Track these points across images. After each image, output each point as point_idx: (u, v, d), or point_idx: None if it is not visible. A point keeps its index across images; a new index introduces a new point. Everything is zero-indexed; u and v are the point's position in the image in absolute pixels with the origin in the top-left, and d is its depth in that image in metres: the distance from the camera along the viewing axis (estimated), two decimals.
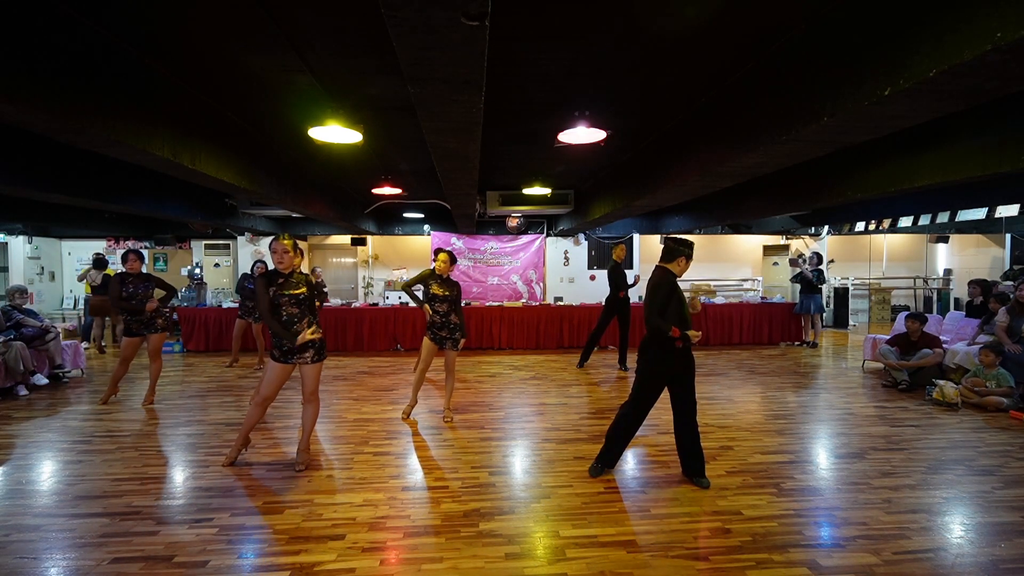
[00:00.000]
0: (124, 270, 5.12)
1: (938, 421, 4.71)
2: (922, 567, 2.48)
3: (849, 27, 2.64)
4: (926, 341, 5.99)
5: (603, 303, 7.03)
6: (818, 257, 8.98)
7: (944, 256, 12.65)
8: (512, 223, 11.18)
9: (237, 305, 7.80)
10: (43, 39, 2.71)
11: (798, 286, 9.05)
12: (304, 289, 3.47)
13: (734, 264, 12.82)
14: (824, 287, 9.64)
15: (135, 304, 5.00)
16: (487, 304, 9.15)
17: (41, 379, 5.95)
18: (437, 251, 4.67)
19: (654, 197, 5.70)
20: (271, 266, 6.80)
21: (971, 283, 6.99)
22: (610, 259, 6.77)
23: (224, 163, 4.55)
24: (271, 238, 11.06)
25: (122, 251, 5.26)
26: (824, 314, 9.96)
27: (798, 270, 9.01)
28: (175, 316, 8.75)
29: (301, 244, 12.15)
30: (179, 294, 10.07)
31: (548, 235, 11.87)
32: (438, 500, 3.16)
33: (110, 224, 9.58)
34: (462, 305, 4.66)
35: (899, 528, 2.83)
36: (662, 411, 4.08)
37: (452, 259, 4.65)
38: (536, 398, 5.54)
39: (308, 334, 3.40)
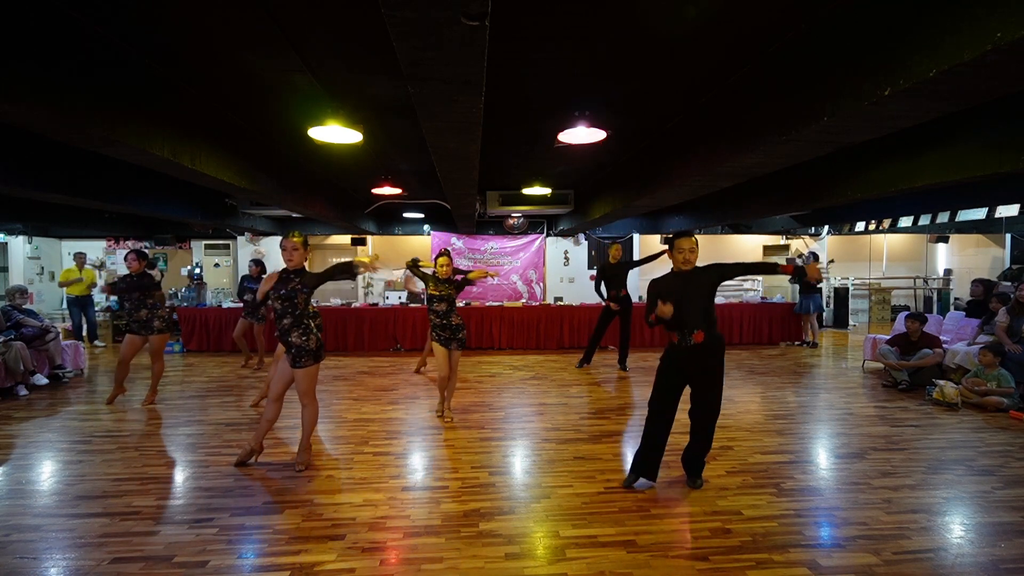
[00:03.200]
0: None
1: (938, 421, 4.71)
2: (922, 567, 2.48)
3: (849, 27, 2.64)
4: (926, 341, 5.99)
5: (602, 303, 6.93)
6: (815, 257, 8.99)
7: (944, 256, 12.64)
8: (510, 222, 11.17)
9: (239, 305, 7.80)
10: (43, 39, 2.71)
11: (798, 286, 9.06)
12: (295, 284, 3.42)
13: None
14: (823, 286, 9.64)
15: (128, 304, 5.13)
16: (487, 304, 9.14)
17: (41, 379, 5.95)
18: (438, 256, 4.69)
19: (654, 197, 5.70)
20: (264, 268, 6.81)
21: (975, 282, 7.00)
22: (629, 260, 6.71)
23: (224, 163, 4.55)
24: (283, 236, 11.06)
25: (123, 251, 5.33)
26: (823, 314, 9.95)
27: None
28: (174, 316, 8.75)
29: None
30: (167, 294, 10.11)
31: (548, 235, 11.87)
32: (438, 500, 3.16)
33: (110, 224, 9.57)
34: (459, 304, 4.69)
35: (899, 528, 2.83)
36: None
37: (450, 257, 4.70)
38: (536, 398, 5.54)
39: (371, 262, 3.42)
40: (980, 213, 8.40)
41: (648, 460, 3.31)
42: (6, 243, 10.84)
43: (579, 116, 4.45)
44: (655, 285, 3.29)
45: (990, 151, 3.87)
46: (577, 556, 2.56)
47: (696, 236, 3.26)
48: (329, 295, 11.45)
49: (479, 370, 7.02)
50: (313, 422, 3.62)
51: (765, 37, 3.13)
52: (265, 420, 3.61)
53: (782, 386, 6.06)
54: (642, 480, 3.34)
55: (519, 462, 3.81)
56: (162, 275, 10.24)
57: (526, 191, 8.07)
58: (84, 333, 8.80)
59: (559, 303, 9.08)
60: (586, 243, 11.96)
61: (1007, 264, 11.81)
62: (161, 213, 6.71)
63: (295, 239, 3.45)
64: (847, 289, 11.52)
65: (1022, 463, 3.72)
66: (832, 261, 11.81)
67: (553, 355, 8.17)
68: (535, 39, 3.22)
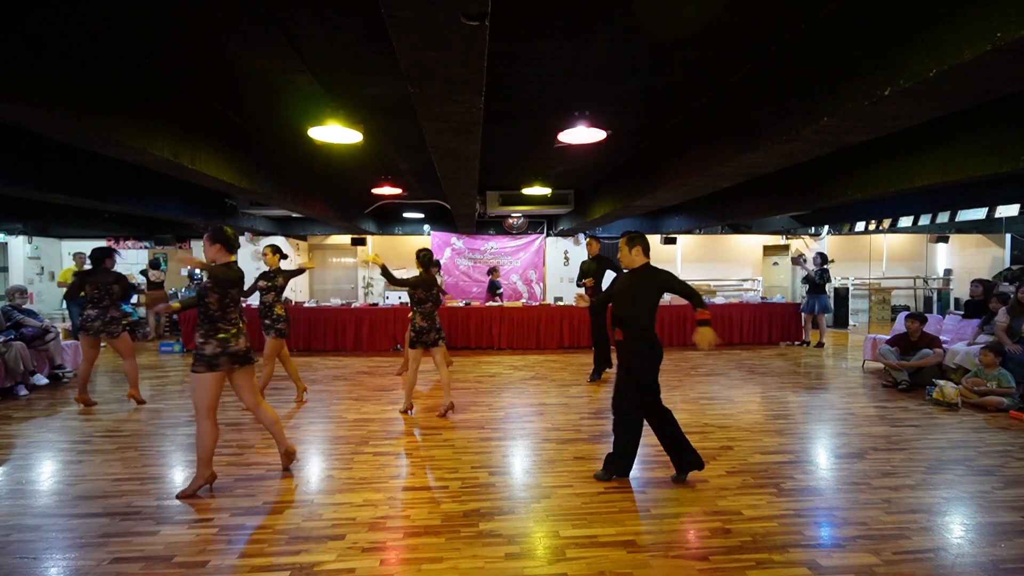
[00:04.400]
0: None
1: (938, 421, 4.71)
2: (922, 567, 2.48)
3: (849, 27, 2.64)
4: (926, 341, 5.99)
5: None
6: (822, 257, 8.98)
7: (944, 256, 12.65)
8: (510, 222, 11.17)
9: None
10: (42, 39, 2.71)
11: (806, 286, 9.06)
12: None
13: (734, 264, 12.81)
14: (828, 286, 9.64)
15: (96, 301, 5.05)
16: (487, 304, 9.14)
17: (41, 379, 5.95)
18: None
19: (654, 197, 5.70)
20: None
21: (974, 282, 7.00)
22: (609, 258, 6.54)
23: (224, 163, 4.55)
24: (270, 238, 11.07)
25: (124, 250, 5.29)
26: (828, 314, 9.93)
27: (804, 272, 9.03)
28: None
29: (301, 244, 12.14)
30: (168, 293, 10.13)
31: (548, 235, 11.87)
32: (438, 500, 3.16)
33: (110, 224, 9.57)
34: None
35: (899, 528, 2.82)
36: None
37: (422, 260, 4.68)
38: (536, 398, 5.54)
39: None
40: (980, 213, 8.40)
41: (675, 452, 3.40)
42: (6, 243, 10.84)
43: (579, 116, 4.45)
44: (616, 279, 3.60)
45: (990, 151, 3.87)
46: (577, 556, 2.56)
47: (626, 237, 3.37)
48: (329, 295, 11.47)
49: (479, 370, 7.02)
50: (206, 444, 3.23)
51: (765, 37, 3.14)
52: (268, 424, 3.52)
53: (782, 386, 6.06)
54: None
55: (519, 462, 3.81)
56: (164, 275, 10.28)
57: (526, 191, 8.07)
58: None
59: (559, 303, 9.08)
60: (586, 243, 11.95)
61: (1007, 264, 11.81)
62: (161, 213, 6.72)
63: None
64: (847, 289, 11.53)
65: (1022, 463, 3.72)
66: (832, 261, 11.81)
67: (553, 355, 8.17)
68: (535, 38, 3.22)
